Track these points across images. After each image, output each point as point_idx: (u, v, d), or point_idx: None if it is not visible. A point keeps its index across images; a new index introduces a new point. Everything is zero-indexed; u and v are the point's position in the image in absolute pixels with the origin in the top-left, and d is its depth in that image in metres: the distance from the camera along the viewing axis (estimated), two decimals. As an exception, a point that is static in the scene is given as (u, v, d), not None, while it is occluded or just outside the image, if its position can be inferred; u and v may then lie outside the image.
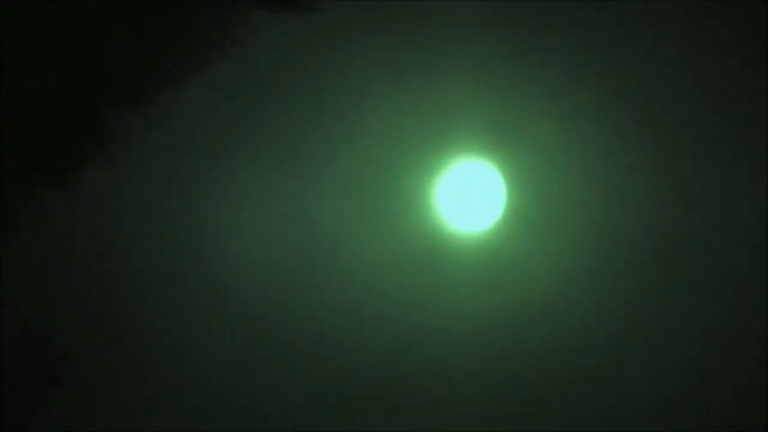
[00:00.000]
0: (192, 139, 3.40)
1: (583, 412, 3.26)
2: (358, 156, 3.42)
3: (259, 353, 3.31)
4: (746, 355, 3.23)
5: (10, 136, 3.15)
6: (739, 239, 3.32)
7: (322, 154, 3.44)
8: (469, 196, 3.42)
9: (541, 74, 3.37)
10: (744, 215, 3.34)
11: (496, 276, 3.35)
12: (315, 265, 3.38)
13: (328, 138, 3.44)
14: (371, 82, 3.42)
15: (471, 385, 3.30)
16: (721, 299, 3.30)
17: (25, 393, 3.12)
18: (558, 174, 3.41)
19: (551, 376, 3.30)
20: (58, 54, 3.17)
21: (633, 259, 3.34)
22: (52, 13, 3.14)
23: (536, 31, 3.43)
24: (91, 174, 3.30)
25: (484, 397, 3.29)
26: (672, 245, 3.35)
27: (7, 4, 3.10)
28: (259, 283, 3.32)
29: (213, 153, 3.44)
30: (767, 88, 3.36)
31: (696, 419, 3.19)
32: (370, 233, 3.39)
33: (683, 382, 3.25)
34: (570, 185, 3.41)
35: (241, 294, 3.28)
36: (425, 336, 3.33)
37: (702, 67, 3.41)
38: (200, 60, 3.35)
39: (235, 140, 3.43)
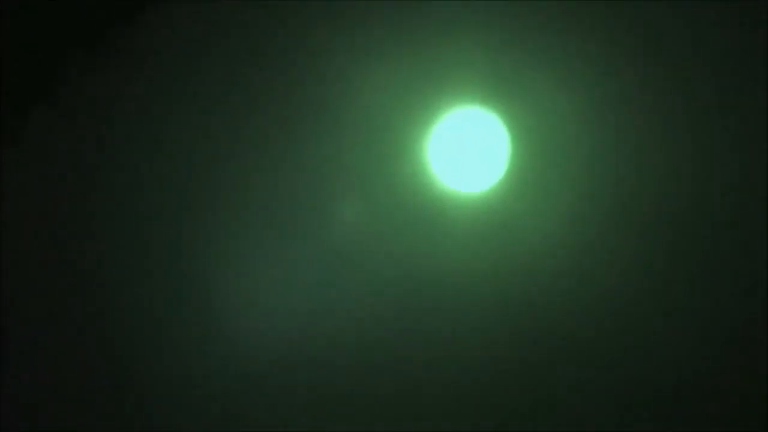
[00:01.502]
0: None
1: (588, 379, 2.89)
2: (343, 104, 2.94)
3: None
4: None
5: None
6: (753, 192, 2.90)
7: (302, 95, 2.96)
8: (466, 151, 2.96)
9: (549, 17, 2.87)
10: (759, 167, 2.90)
11: (498, 246, 2.92)
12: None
13: (312, 80, 2.95)
14: (357, 23, 2.91)
15: (472, 365, 2.91)
16: (735, 254, 2.89)
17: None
18: (572, 127, 2.94)
19: (560, 353, 2.90)
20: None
21: (652, 224, 2.90)
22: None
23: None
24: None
25: (485, 375, 2.90)
26: (688, 204, 2.91)
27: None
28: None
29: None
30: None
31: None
32: (354, 195, 2.94)
33: (691, 355, 2.88)
34: (586, 141, 2.94)
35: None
36: (417, 312, 2.92)
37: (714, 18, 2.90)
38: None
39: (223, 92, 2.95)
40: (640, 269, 2.91)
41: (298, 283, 2.91)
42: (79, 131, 2.91)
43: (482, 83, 2.94)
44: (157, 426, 2.85)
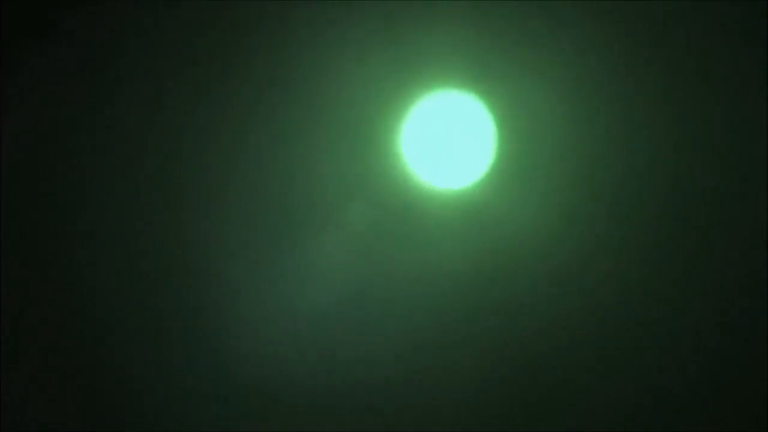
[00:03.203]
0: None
1: (575, 376, 2.63)
2: (313, 88, 2.58)
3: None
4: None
5: None
6: (745, 181, 2.60)
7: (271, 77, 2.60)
8: (445, 142, 2.60)
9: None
10: (749, 157, 2.60)
11: (480, 250, 2.59)
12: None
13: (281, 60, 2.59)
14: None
15: (454, 371, 2.63)
16: (725, 248, 2.60)
17: None
18: (565, 116, 2.59)
19: (550, 358, 2.62)
20: None
21: (643, 223, 2.59)
22: None
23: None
24: None
25: (466, 376, 2.63)
26: (680, 198, 2.61)
27: None
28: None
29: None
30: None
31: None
32: (320, 195, 2.60)
33: (683, 342, 2.62)
34: (581, 132, 2.59)
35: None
36: (393, 318, 2.62)
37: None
38: None
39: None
40: (636, 268, 2.61)
41: (266, 282, 2.61)
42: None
43: (464, 65, 2.57)
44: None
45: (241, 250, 2.62)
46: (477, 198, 2.60)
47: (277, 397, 2.61)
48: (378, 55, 2.58)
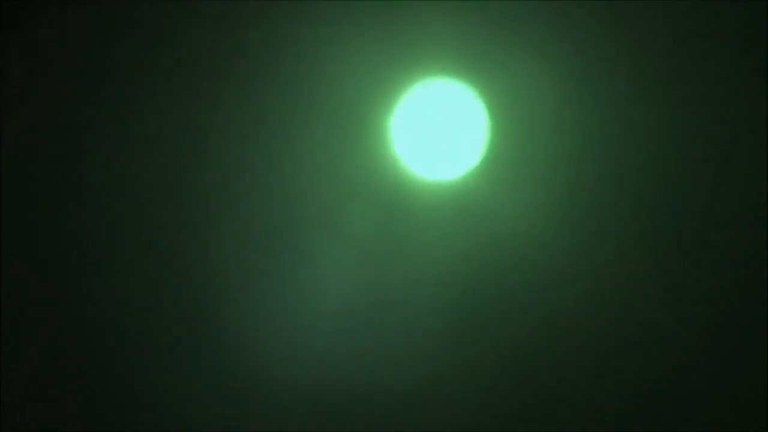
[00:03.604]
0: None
1: (566, 372, 2.59)
2: (300, 77, 2.49)
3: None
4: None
5: None
6: (741, 174, 2.53)
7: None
8: (436, 131, 2.53)
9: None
10: (746, 149, 2.52)
11: (473, 243, 2.53)
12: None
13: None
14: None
15: (444, 365, 2.58)
16: (721, 242, 2.55)
17: None
18: (561, 105, 2.51)
19: (544, 353, 2.57)
20: None
21: (638, 216, 2.52)
22: None
23: None
24: None
25: (456, 371, 2.58)
26: (675, 191, 2.54)
27: None
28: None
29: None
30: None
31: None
32: (309, 185, 2.53)
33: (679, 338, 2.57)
34: (578, 121, 2.51)
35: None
36: (381, 313, 2.56)
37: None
38: None
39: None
40: (631, 262, 2.55)
41: (257, 276, 2.55)
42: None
43: (456, 53, 2.49)
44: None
45: (227, 243, 2.55)
46: (469, 190, 2.53)
47: (273, 397, 2.57)
48: (366, 43, 2.49)
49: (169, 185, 2.52)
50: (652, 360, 2.56)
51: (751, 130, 2.51)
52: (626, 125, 2.51)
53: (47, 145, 2.53)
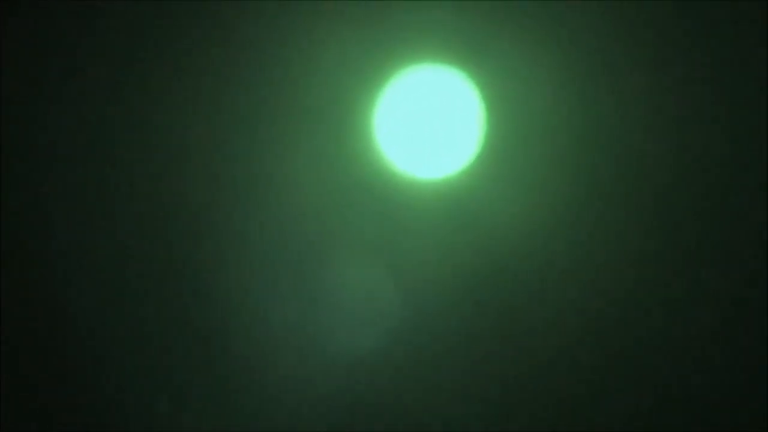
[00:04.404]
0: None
1: (564, 371, 2.43)
2: (280, 65, 2.26)
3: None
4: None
5: None
6: (740, 173, 2.38)
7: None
8: (427, 126, 2.30)
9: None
10: (745, 149, 2.37)
11: (464, 246, 2.33)
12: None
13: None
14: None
15: (433, 363, 2.40)
16: (721, 238, 2.39)
17: None
18: (560, 98, 2.30)
19: (540, 352, 2.41)
20: None
21: (635, 215, 2.36)
22: None
23: None
24: None
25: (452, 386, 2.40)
26: (673, 188, 2.37)
27: None
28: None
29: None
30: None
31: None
32: (289, 184, 2.31)
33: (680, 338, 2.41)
34: (577, 115, 2.30)
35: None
36: (368, 314, 2.37)
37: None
38: None
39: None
40: (628, 261, 2.38)
41: (239, 274, 2.35)
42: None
43: (449, 40, 2.26)
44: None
45: (206, 239, 2.35)
46: (461, 189, 2.32)
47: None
48: (350, 30, 2.26)
49: (147, 186, 2.31)
50: (645, 361, 2.42)
51: (751, 132, 2.36)
52: (628, 122, 2.32)
53: (47, 145, 2.34)
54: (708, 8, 2.32)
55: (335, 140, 2.30)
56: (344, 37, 2.27)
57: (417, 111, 2.30)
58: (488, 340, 2.40)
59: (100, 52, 2.28)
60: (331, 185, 2.31)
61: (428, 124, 2.30)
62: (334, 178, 2.30)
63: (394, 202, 2.32)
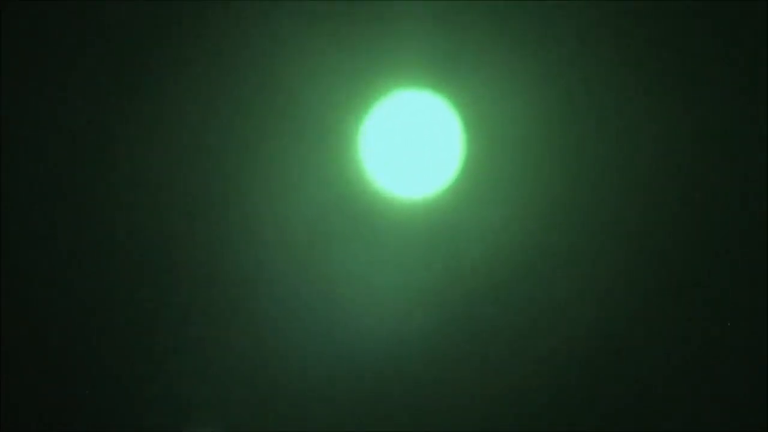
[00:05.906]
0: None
1: (549, 387, 2.45)
2: (266, 88, 2.34)
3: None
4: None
5: None
6: (735, 184, 2.42)
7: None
8: (408, 146, 2.38)
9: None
10: (739, 154, 2.41)
11: (446, 264, 2.38)
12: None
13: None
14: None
15: (417, 384, 2.42)
16: (706, 254, 2.42)
17: None
18: (540, 118, 2.37)
19: (525, 372, 2.42)
20: None
21: (620, 231, 2.40)
22: None
23: None
24: None
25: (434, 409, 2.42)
26: (659, 204, 2.42)
27: None
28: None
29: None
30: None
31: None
32: (271, 204, 2.37)
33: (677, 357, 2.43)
34: (558, 134, 2.37)
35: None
36: (350, 336, 2.40)
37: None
38: None
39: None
40: (614, 279, 2.42)
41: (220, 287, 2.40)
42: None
43: (430, 64, 2.34)
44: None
45: (193, 249, 2.40)
46: (442, 208, 2.38)
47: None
48: (335, 53, 2.35)
49: (135, 190, 2.37)
50: (629, 379, 2.43)
51: (743, 138, 2.41)
52: (606, 142, 2.38)
53: (46, 145, 2.39)
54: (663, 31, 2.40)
55: (320, 159, 2.37)
56: (330, 62, 2.35)
57: (399, 132, 2.37)
58: (469, 359, 2.43)
59: (94, 56, 2.36)
60: (315, 202, 2.37)
61: (410, 145, 2.38)
62: (318, 195, 2.37)
63: (376, 220, 2.38)
